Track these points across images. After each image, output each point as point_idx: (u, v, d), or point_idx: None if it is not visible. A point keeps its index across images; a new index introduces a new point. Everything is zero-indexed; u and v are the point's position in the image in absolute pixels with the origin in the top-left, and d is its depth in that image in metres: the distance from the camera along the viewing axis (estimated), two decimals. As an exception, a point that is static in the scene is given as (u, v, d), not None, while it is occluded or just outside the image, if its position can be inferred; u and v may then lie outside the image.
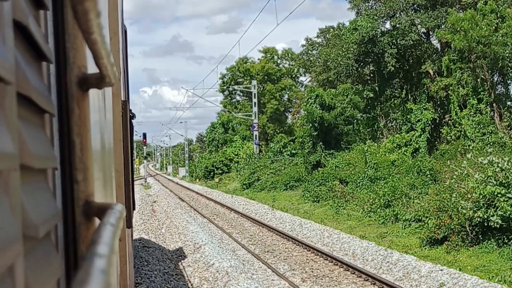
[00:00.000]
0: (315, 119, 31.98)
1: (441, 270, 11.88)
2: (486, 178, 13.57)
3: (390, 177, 22.93)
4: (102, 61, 1.20)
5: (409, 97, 31.39)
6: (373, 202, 20.57)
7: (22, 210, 0.71)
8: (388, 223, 18.57)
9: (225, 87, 65.45)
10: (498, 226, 13.01)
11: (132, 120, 9.58)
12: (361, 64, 32.23)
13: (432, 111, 28.86)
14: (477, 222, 13.60)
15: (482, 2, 24.92)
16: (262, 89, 62.58)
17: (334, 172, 27.95)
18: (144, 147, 59.82)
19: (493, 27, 24.03)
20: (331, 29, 48.46)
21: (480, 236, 13.85)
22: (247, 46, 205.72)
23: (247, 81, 60.48)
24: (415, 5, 30.27)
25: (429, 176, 21.42)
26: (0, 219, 0.58)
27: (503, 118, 25.35)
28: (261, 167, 39.44)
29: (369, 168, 25.92)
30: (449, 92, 26.85)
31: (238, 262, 13.98)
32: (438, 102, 30.13)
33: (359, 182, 24.94)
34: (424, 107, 29.07)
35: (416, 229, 16.44)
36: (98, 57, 1.17)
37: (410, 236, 16.29)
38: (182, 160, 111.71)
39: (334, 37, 41.54)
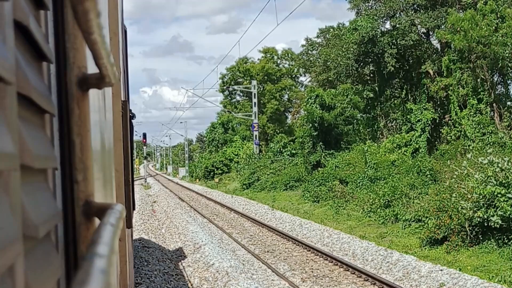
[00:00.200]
0: (315, 119, 31.98)
1: (441, 270, 11.88)
2: (486, 178, 13.57)
3: (390, 177, 22.93)
4: (102, 61, 1.20)
5: (409, 97, 31.39)
6: (373, 202, 20.57)
7: (22, 210, 0.71)
8: (388, 223, 18.57)
9: (225, 87, 65.44)
10: (498, 226, 13.01)
11: (132, 120, 9.58)
12: (361, 64, 32.23)
13: (432, 111, 28.86)
14: (477, 222, 13.60)
15: (482, 2, 24.92)
16: (262, 89, 62.59)
17: (334, 172, 27.95)
18: (144, 147, 59.82)
19: (493, 27, 24.03)
20: (331, 29, 48.44)
21: (480, 236, 13.85)
22: (247, 46, 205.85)
23: (247, 81, 60.49)
24: (415, 5, 30.27)
25: (429, 176, 21.42)
26: (1, 219, 0.58)
27: (503, 118, 25.35)
28: (261, 167, 39.44)
29: (369, 168, 25.92)
30: (449, 92, 26.85)
31: (238, 262, 13.98)
32: (438, 102, 30.13)
33: (359, 182, 24.94)
34: (424, 107, 29.07)
35: (416, 229, 16.44)
36: (98, 57, 1.17)
37: (410, 236, 16.29)
38: (182, 160, 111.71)
39: (334, 37, 41.53)
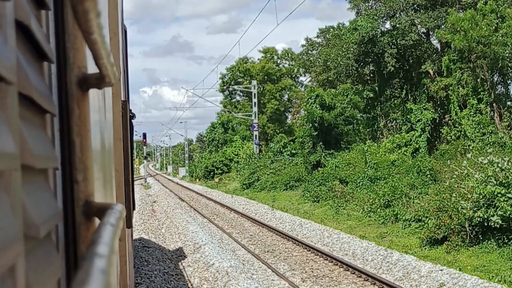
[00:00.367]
0: (315, 119, 31.98)
1: (441, 270, 11.88)
2: (486, 178, 13.57)
3: (390, 177, 22.92)
4: (102, 61, 1.20)
5: (409, 97, 31.39)
6: (373, 202, 20.57)
7: (23, 210, 0.71)
8: (388, 223, 18.57)
9: (225, 87, 65.44)
10: (498, 226, 13.01)
11: (132, 120, 9.58)
12: (361, 64, 32.23)
13: (432, 111, 28.86)
14: (477, 222, 13.60)
15: (482, 2, 24.92)
16: (262, 89, 62.59)
17: (334, 172, 27.94)
18: (144, 147, 59.81)
19: (493, 27, 24.03)
20: (331, 29, 48.44)
21: (480, 236, 13.85)
22: (247, 46, 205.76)
23: (247, 81, 60.48)
24: (415, 5, 30.27)
25: (429, 176, 21.42)
26: (1, 219, 0.58)
27: (503, 118, 25.35)
28: (261, 167, 39.44)
29: (369, 168, 25.92)
30: (449, 92, 26.85)
31: (238, 262, 13.98)
32: (438, 102, 30.13)
33: (359, 182, 24.94)
34: (424, 107, 29.07)
35: (416, 229, 16.44)
36: (98, 57, 1.17)
37: (410, 236, 16.29)
38: (182, 160, 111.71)
39: (334, 37, 41.53)
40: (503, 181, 13.20)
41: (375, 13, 30.72)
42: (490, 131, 24.41)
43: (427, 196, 18.31)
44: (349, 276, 12.88)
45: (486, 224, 13.36)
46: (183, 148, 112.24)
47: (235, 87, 62.12)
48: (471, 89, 25.32)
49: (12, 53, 0.67)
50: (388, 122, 33.44)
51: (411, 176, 21.93)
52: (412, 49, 30.95)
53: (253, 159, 44.05)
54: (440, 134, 28.59)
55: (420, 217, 16.54)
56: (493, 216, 13.03)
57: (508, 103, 26.58)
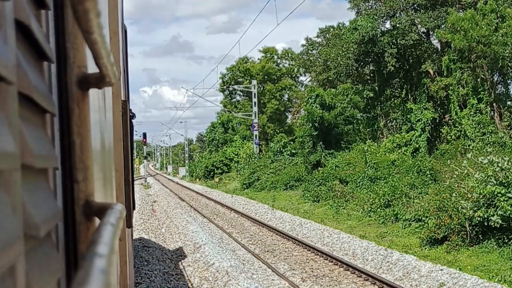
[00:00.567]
0: (315, 119, 31.98)
1: (441, 270, 11.88)
2: (486, 178, 13.57)
3: (390, 177, 22.92)
4: (102, 61, 1.20)
5: (409, 97, 31.38)
6: (373, 202, 20.57)
7: (24, 209, 0.71)
8: (388, 223, 18.58)
9: (225, 87, 65.44)
10: (498, 225, 13.01)
11: (132, 120, 9.57)
12: (361, 64, 32.23)
13: (432, 111, 28.86)
14: (477, 222, 13.60)
15: (482, 2, 24.92)
16: (262, 89, 62.59)
17: (334, 172, 27.94)
18: (144, 147, 59.83)
19: (493, 27, 24.03)
20: (331, 29, 48.44)
21: (480, 236, 13.85)
22: (247, 46, 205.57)
23: (247, 81, 60.48)
24: (415, 5, 30.27)
25: (429, 176, 21.42)
26: (1, 218, 0.58)
27: (503, 118, 25.35)
28: (261, 167, 39.44)
29: (369, 168, 25.92)
30: (449, 92, 26.85)
31: (238, 262, 13.98)
32: (438, 102, 30.13)
33: (359, 182, 24.94)
34: (424, 107, 29.07)
35: (416, 229, 16.44)
36: (98, 57, 1.17)
37: (410, 236, 16.29)
38: (182, 159, 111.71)
39: (334, 37, 41.54)
40: (503, 181, 13.20)
41: (375, 13, 30.72)
42: (490, 131, 24.41)
43: (427, 196, 18.31)
44: (349, 276, 12.88)
45: (486, 224, 13.36)
46: (183, 148, 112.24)
47: (235, 87, 62.12)
48: (471, 89, 25.32)
49: (12, 53, 0.67)
50: (388, 122, 33.45)
51: (411, 176, 21.93)
52: (412, 49, 30.95)
53: (253, 159, 44.05)
54: (440, 134, 28.59)
55: (420, 217, 16.54)
56: (493, 216, 13.04)
57: (508, 103, 26.58)
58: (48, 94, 0.97)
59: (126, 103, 5.94)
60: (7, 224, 0.59)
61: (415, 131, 28.74)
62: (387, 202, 19.86)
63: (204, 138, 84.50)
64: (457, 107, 26.18)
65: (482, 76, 25.08)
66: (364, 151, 27.64)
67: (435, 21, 28.71)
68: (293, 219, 21.93)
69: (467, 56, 25.21)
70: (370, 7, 32.63)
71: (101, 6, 1.16)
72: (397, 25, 29.85)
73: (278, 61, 67.33)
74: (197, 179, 60.79)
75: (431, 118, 28.58)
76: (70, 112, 1.16)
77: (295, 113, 61.62)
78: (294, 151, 40.23)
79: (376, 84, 33.13)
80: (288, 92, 65.57)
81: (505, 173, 13.36)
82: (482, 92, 25.17)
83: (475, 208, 13.48)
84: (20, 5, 0.76)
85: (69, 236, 1.15)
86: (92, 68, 1.30)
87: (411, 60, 31.72)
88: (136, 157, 68.86)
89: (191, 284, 12.43)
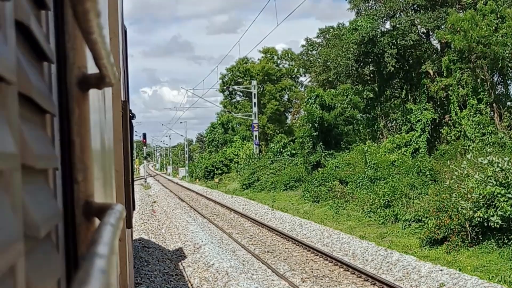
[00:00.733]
0: (315, 119, 31.98)
1: (441, 270, 11.88)
2: (486, 178, 13.57)
3: (390, 177, 22.92)
4: (102, 62, 1.20)
5: (409, 97, 31.38)
6: (373, 202, 20.57)
7: (24, 209, 0.71)
8: (388, 223, 18.57)
9: (225, 87, 65.45)
10: (498, 226, 13.01)
11: (132, 120, 9.57)
12: (361, 64, 32.23)
13: (432, 111, 28.85)
14: (477, 222, 13.60)
15: (482, 2, 24.92)
16: (262, 89, 62.59)
17: (334, 172, 27.94)
18: (144, 147, 59.79)
19: (493, 27, 24.03)
20: (331, 29, 48.45)
21: (480, 236, 13.84)
22: (247, 46, 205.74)
23: (247, 81, 60.49)
24: (415, 5, 30.27)
25: (429, 176, 21.42)
26: (1, 219, 0.58)
27: (503, 118, 25.35)
28: (261, 167, 39.44)
29: (369, 168, 25.92)
30: (449, 92, 26.85)
31: (238, 262, 13.98)
32: (438, 102, 30.13)
33: (359, 182, 24.94)
34: (424, 107, 29.07)
35: (416, 229, 16.44)
36: (98, 57, 1.17)
37: (410, 236, 16.29)
38: (182, 160, 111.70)
39: (334, 37, 41.54)
40: (503, 181, 13.20)
41: (375, 13, 30.72)
42: (490, 131, 24.41)
43: (427, 196, 18.30)
44: (349, 276, 12.87)
45: (486, 224, 13.36)
46: (183, 148, 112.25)
47: (235, 87, 62.13)
48: (471, 89, 25.32)
49: (12, 53, 0.67)
50: (388, 122, 33.44)
51: (411, 176, 21.93)
52: (412, 49, 30.95)
53: (253, 159, 44.05)
54: (440, 134, 28.59)
55: (420, 217, 16.54)
56: (493, 216, 13.03)
57: (508, 103, 26.58)
58: (48, 94, 0.97)
59: (126, 103, 5.94)
60: (7, 224, 0.59)
61: (415, 131, 28.73)
62: (387, 203, 19.86)
63: (204, 139, 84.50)
64: (457, 108, 26.18)
65: (482, 77, 25.08)
66: (364, 152, 27.64)
67: (435, 21, 28.72)
68: (293, 219, 21.93)
69: (467, 57, 25.21)
70: (370, 7, 32.64)
71: (101, 6, 1.16)
72: (397, 25, 29.85)
73: (278, 62, 67.36)
74: (197, 180, 60.78)
75: (431, 119, 28.57)
76: (70, 112, 1.16)
77: (295, 113, 61.64)
78: (294, 152, 40.23)
79: (376, 84, 33.14)
80: (288, 92, 65.58)
81: (505, 174, 13.35)
82: (482, 93, 25.17)
83: (475, 209, 13.47)
84: (20, 6, 0.76)
85: (69, 236, 1.15)
86: (92, 68, 1.31)
87: (411, 61, 31.72)
88: (136, 158, 68.83)
89: (191, 285, 12.43)
